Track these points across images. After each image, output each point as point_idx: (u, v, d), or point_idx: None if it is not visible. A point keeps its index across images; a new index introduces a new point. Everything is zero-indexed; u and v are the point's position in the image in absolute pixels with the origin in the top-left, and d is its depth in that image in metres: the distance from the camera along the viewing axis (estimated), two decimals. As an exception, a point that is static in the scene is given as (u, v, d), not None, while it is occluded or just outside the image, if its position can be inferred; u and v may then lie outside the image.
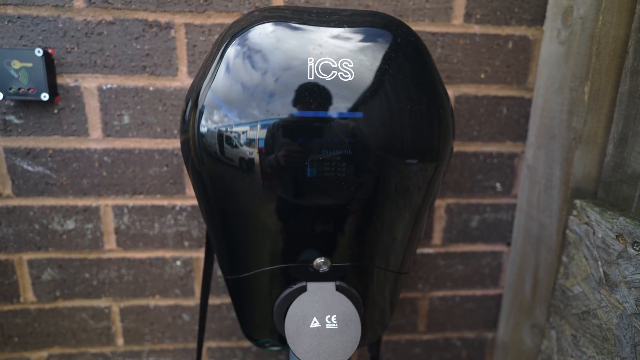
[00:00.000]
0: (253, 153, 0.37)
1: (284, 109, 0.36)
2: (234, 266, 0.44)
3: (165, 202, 0.57)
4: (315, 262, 0.42)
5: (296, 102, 0.36)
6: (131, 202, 0.56)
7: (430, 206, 0.44)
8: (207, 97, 0.37)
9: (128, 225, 0.57)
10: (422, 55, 0.40)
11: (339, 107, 0.37)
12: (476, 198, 0.61)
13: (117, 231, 0.57)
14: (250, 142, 0.37)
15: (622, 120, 0.45)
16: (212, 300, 0.61)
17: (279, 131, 0.36)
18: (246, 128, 0.37)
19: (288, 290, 0.44)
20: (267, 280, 0.43)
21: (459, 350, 0.69)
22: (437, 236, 0.62)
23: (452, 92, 0.57)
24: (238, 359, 0.65)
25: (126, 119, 0.53)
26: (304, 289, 0.43)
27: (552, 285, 0.53)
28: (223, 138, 0.37)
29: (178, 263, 0.59)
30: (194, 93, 0.38)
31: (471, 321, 0.67)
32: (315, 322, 0.41)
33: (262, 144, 0.37)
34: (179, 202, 0.57)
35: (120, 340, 0.62)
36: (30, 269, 0.57)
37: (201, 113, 0.37)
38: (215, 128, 0.37)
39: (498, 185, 0.61)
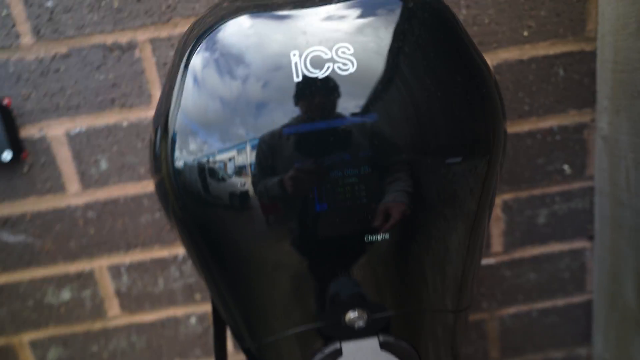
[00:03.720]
0: (245, 183, 0.27)
1: (270, 125, 0.27)
2: (248, 333, 0.35)
3: (165, 253, 0.48)
4: (347, 318, 0.32)
5: (284, 115, 0.26)
6: (127, 258, 0.48)
7: (489, 210, 0.32)
8: (177, 121, 0.28)
9: (129, 285, 0.49)
10: (446, 20, 0.30)
11: (342, 111, 0.26)
12: (540, 188, 0.49)
13: (118, 294, 0.49)
14: (239, 171, 0.27)
15: None
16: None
17: (265, 159, 0.27)
18: (230, 154, 0.27)
19: (319, 357, 0.34)
20: (289, 348, 0.33)
21: (546, 375, 0.56)
22: (497, 242, 0.50)
23: (488, 61, 0.45)
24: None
25: (104, 165, 0.46)
26: (338, 353, 0.33)
27: (668, 291, 0.40)
28: (205, 171, 0.28)
29: (193, 320, 0.51)
30: (162, 117, 0.29)
31: (557, 338, 0.55)
32: (359, 396, 0.30)
33: (253, 172, 0.27)
34: (180, 251, 0.48)
35: (145, 414, 0.54)
36: (34, 350, 0.51)
37: (173, 143, 0.28)
38: (193, 160, 0.27)
39: (566, 167, 0.48)
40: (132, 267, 0.48)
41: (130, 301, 0.50)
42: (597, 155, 0.47)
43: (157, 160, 0.29)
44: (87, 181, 0.46)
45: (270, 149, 0.27)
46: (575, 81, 0.46)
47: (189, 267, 0.49)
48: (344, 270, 0.30)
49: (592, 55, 0.45)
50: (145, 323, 0.50)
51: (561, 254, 0.51)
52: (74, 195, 0.46)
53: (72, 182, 0.46)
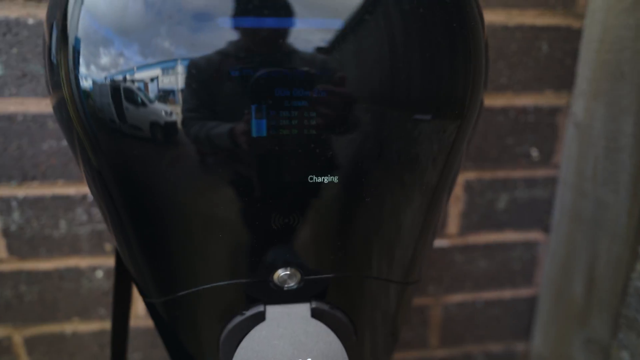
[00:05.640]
0: (173, 113, 0.21)
1: (207, 25, 0.20)
2: (158, 285, 0.28)
3: (71, 191, 0.40)
4: (276, 276, 0.27)
5: (233, 5, 0.20)
6: (21, 191, 0.39)
7: (450, 186, 0.28)
8: (80, 23, 0.20)
9: (21, 224, 0.40)
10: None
11: (303, 11, 0.21)
12: (505, 170, 0.46)
13: (5, 233, 0.40)
14: (165, 95, 0.21)
15: None
16: (150, 322, 0.45)
17: (199, 64, 0.21)
18: (156, 71, 0.21)
19: (238, 319, 0.28)
20: (209, 303, 0.28)
21: (481, 367, 0.54)
22: (453, 223, 0.47)
23: (473, 20, 0.40)
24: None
25: None
26: (261, 317, 0.27)
27: (620, 288, 0.38)
28: (121, 93, 0.21)
29: (99, 274, 0.43)
30: (59, 11, 0.21)
31: (498, 331, 0.53)
32: (279, 370, 0.25)
33: (182, 95, 0.21)
34: (91, 190, 0.40)
35: (30, 380, 0.46)
36: None
37: (77, 52, 0.20)
38: (106, 78, 0.20)
39: (534, 151, 0.45)
40: (27, 203, 0.40)
41: (21, 243, 0.41)
42: (566, 143, 0.45)
43: (54, 74, 0.21)
44: (-25, 87, 0.36)
45: (203, 65, 0.20)
46: (557, 60, 0.43)
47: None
48: (278, 218, 0.24)
49: (579, 34, 0.42)
50: (39, 271, 0.42)
51: (515, 244, 0.49)
52: (-43, 103, 0.37)
53: (-46, 85, 0.36)
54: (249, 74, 0.21)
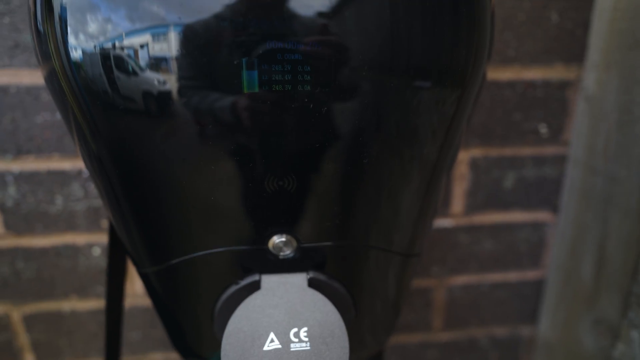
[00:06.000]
0: (166, 82, 0.20)
1: None
2: (152, 254, 0.27)
3: (66, 165, 0.39)
4: (272, 243, 0.26)
5: None
6: (16, 165, 0.39)
7: (451, 162, 0.27)
8: None
9: (17, 199, 0.40)
10: None
11: None
12: (512, 147, 0.44)
13: (2, 208, 0.40)
14: (157, 63, 0.20)
15: None
16: (149, 301, 0.45)
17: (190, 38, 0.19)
18: (146, 37, 0.20)
19: (232, 289, 0.27)
20: (203, 272, 0.27)
21: (486, 353, 0.53)
22: (458, 202, 0.45)
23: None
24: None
25: (-7, 40, 0.35)
26: (256, 286, 0.26)
27: (632, 265, 0.36)
28: (111, 61, 0.20)
29: (96, 251, 0.42)
30: None
31: (503, 314, 0.51)
32: (272, 340, 0.24)
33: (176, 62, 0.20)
34: (87, 165, 0.39)
35: (29, 357, 0.46)
36: None
37: (64, 21, 0.19)
38: (95, 47, 0.19)
39: (543, 127, 0.44)
40: (23, 178, 0.39)
41: (17, 219, 0.40)
42: (577, 118, 0.43)
43: (42, 43, 0.21)
44: (-32, 58, 0.36)
45: (192, 21, 0.19)
46: (567, 30, 0.41)
47: (96, 185, 0.40)
48: (273, 181, 0.23)
49: (590, 2, 0.40)
50: (36, 248, 0.41)
51: (522, 224, 0.47)
52: (-50, 74, 0.36)
53: (-53, 56, 0.36)
54: (239, 25, 0.20)
